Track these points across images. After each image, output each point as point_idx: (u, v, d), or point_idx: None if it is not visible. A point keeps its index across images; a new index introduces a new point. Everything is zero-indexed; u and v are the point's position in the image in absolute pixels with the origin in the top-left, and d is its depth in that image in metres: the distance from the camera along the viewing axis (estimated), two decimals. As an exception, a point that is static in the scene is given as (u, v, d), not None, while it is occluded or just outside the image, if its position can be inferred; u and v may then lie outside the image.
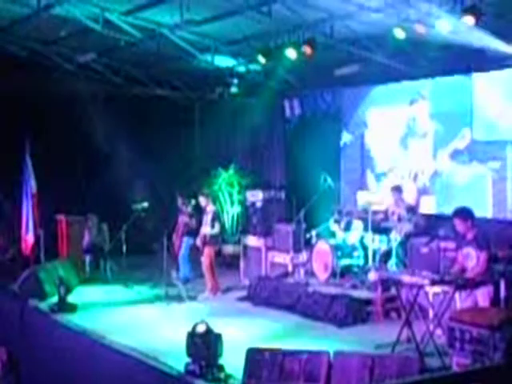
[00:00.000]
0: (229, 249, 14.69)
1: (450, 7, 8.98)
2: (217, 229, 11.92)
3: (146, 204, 12.23)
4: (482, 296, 8.20)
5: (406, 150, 13.00)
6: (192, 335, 7.78)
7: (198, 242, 11.97)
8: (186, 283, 12.09)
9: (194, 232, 12.29)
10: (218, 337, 7.69)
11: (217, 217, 12.08)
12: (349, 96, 14.14)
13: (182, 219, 12.65)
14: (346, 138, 14.18)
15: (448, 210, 9.01)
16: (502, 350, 6.74)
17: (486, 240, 8.49)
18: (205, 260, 11.93)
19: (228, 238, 15.16)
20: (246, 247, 13.48)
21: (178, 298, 11.54)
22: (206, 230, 11.89)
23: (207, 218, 11.96)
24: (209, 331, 7.75)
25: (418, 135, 12.79)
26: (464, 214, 8.61)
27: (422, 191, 12.61)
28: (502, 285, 8.69)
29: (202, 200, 12.08)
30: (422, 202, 12.60)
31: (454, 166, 12.05)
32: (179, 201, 12.76)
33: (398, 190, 12.00)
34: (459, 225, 8.54)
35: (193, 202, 12.26)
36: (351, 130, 14.10)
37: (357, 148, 13.95)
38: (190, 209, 12.51)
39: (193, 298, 11.77)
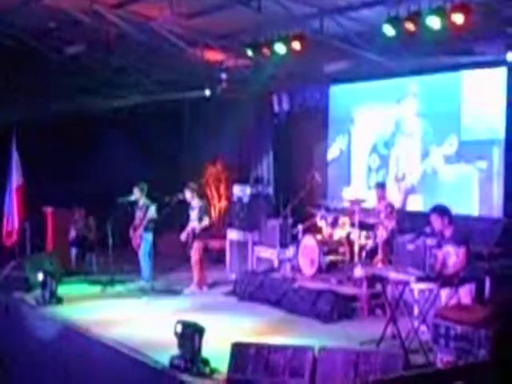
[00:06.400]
0: (215, 243, 14.65)
1: (440, 5, 8.99)
2: (206, 222, 11.90)
3: (132, 197, 12.20)
4: (464, 293, 8.24)
5: (394, 148, 13.00)
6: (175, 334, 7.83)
7: (184, 236, 11.93)
8: (149, 280, 11.96)
9: (153, 227, 12.17)
10: (200, 331, 7.69)
11: (205, 210, 12.05)
12: (337, 92, 14.13)
13: (139, 215, 12.25)
14: (333, 134, 14.18)
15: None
16: (486, 348, 6.77)
17: (464, 236, 8.54)
18: (194, 254, 11.91)
19: (214, 232, 15.12)
20: (232, 242, 13.47)
21: (163, 292, 11.65)
22: (194, 224, 11.88)
23: (194, 213, 11.94)
24: (189, 327, 7.75)
25: (406, 134, 12.79)
26: (441, 209, 8.67)
27: (410, 191, 12.62)
28: (487, 282, 8.75)
29: (188, 194, 12.00)
30: (409, 201, 12.61)
31: (442, 166, 12.06)
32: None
33: (380, 186, 12.00)
34: (436, 221, 8.59)
35: (180, 196, 12.17)
36: (339, 126, 14.09)
37: (344, 145, 13.95)
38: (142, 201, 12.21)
39: (178, 292, 11.79)
